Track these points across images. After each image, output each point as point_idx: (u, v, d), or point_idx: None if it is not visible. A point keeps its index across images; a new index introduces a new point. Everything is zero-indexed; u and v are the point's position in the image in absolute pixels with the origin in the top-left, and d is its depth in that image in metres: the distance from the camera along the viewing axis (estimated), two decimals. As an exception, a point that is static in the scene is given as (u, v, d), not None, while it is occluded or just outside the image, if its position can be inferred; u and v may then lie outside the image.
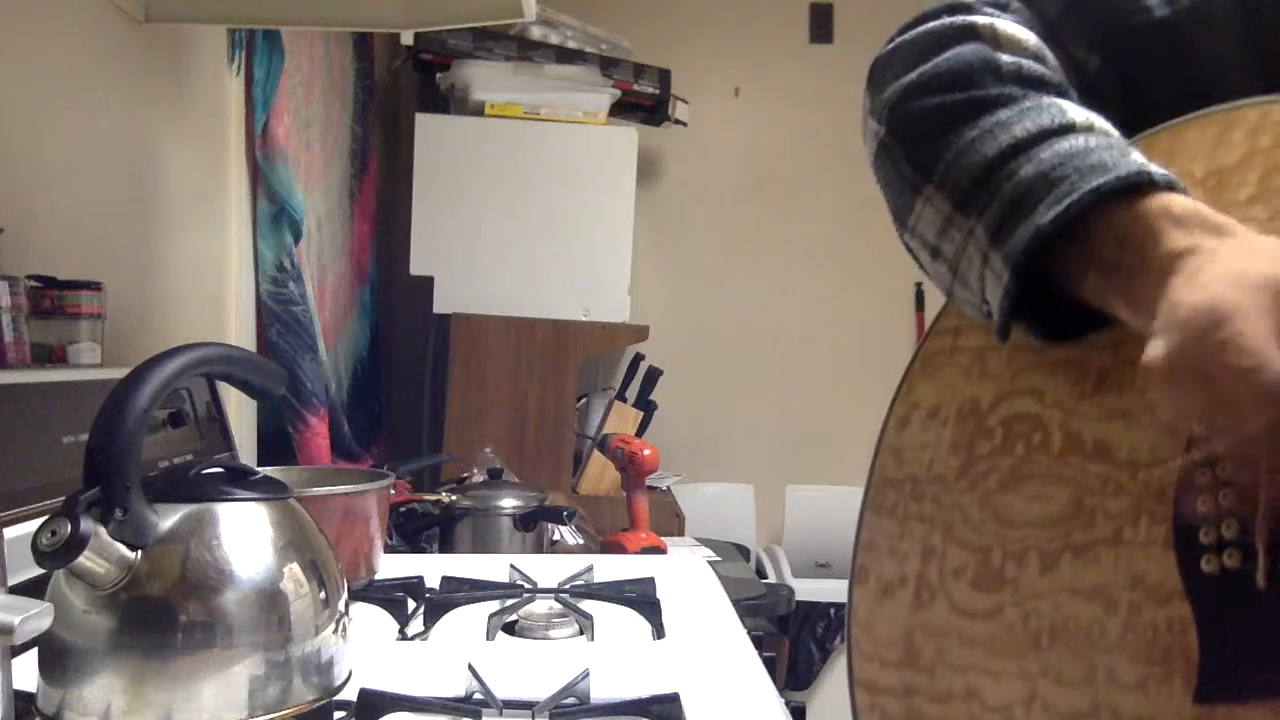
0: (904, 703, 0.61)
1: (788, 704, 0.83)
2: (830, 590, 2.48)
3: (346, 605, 0.70)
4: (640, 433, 2.42)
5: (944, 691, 0.59)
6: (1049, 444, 0.58)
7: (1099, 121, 0.57)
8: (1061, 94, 0.59)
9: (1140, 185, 0.52)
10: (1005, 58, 0.60)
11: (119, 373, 0.66)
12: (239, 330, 1.56)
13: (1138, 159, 0.53)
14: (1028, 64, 0.60)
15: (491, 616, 0.97)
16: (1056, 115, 0.56)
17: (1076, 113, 0.57)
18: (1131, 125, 0.59)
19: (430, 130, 2.27)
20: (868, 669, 0.64)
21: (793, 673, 2.45)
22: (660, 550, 1.67)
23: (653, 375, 2.47)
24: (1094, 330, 0.57)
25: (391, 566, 1.15)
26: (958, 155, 0.58)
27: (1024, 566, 0.57)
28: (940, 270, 0.62)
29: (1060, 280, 0.56)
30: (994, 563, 0.59)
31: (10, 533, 0.76)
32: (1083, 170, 0.53)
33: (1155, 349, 0.48)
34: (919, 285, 3.00)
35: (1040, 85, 0.59)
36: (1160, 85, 0.62)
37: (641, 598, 1.01)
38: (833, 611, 2.46)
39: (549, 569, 1.14)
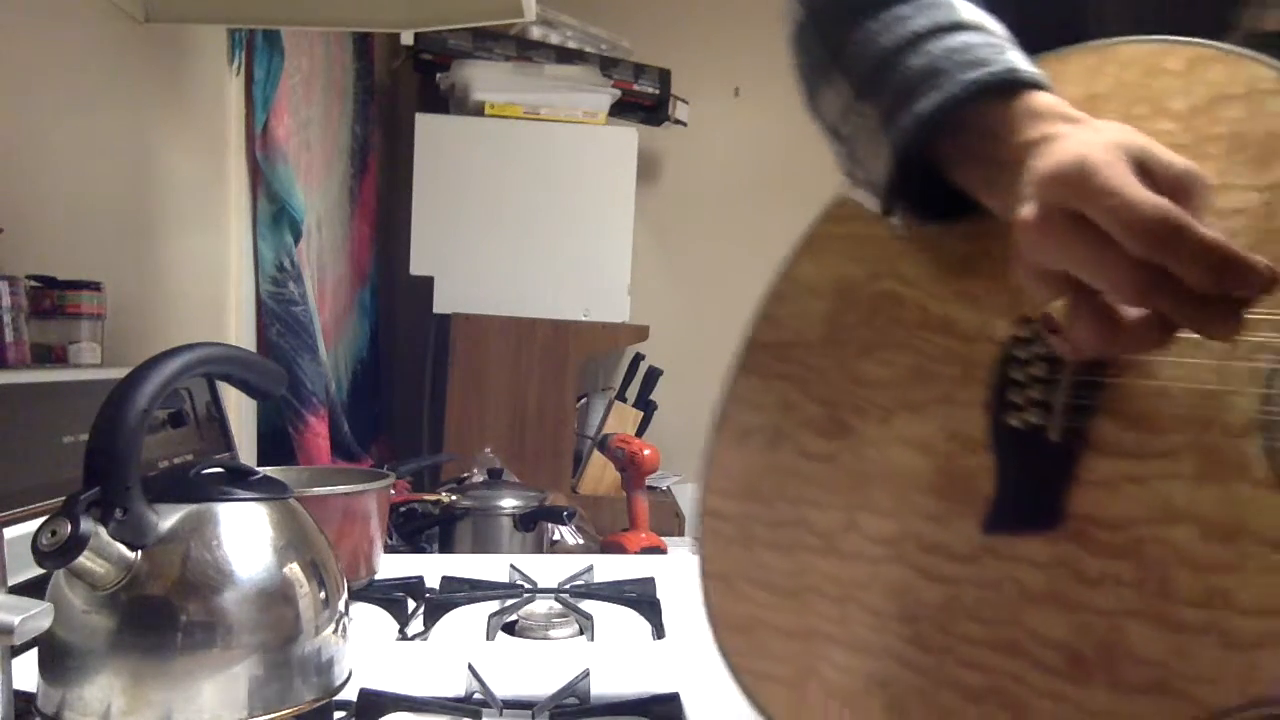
0: (742, 527, 0.70)
1: (788, 704, 0.83)
2: (830, 590, 2.47)
3: (346, 605, 0.70)
4: (640, 433, 2.42)
5: (776, 519, 0.68)
6: (905, 318, 0.66)
7: (987, 21, 0.62)
8: None
9: (1009, 82, 0.57)
10: None
11: (119, 373, 0.66)
12: (239, 330, 1.56)
13: (1013, 57, 0.58)
14: None
15: (491, 616, 0.97)
16: (949, 13, 0.61)
17: (967, 11, 0.62)
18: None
19: (430, 130, 2.27)
20: (714, 500, 0.72)
21: (793, 673, 2.44)
22: (660, 550, 1.67)
23: (653, 375, 2.47)
24: (971, 213, 0.62)
25: (391, 566, 1.15)
26: (861, 44, 0.63)
27: (865, 419, 0.65)
28: (841, 151, 0.68)
29: (940, 167, 0.61)
30: (841, 416, 0.67)
31: (10, 533, 0.76)
32: (962, 65, 0.58)
33: (1028, 208, 0.51)
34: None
35: None
36: (1046, 13, 0.67)
37: (641, 598, 1.01)
38: (832, 611, 2.45)
39: (549, 569, 1.14)
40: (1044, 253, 0.52)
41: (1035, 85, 0.57)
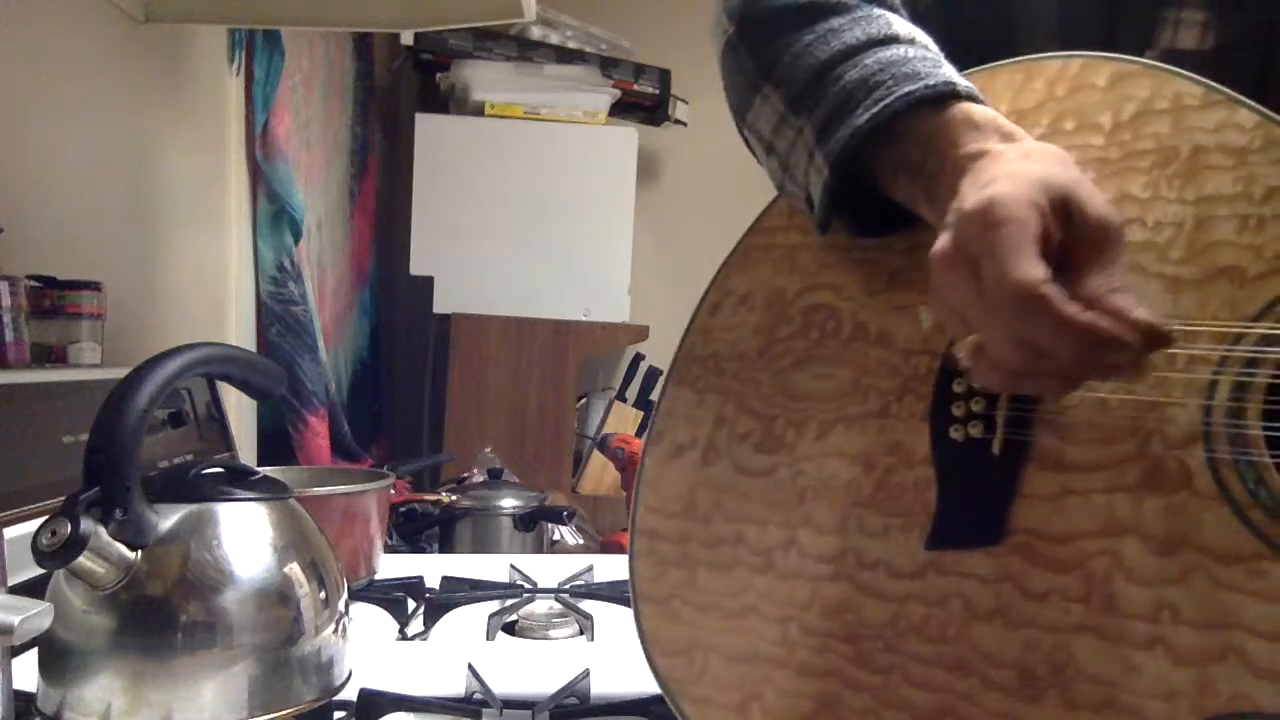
0: (678, 547, 0.68)
1: (788, 704, 0.82)
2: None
3: (346, 605, 0.70)
4: (640, 433, 2.42)
5: (715, 537, 0.66)
6: (840, 331, 0.65)
7: (920, 35, 0.62)
8: (891, 9, 0.65)
9: (946, 95, 0.57)
10: None
11: (119, 373, 0.66)
12: (239, 330, 1.56)
13: (947, 71, 0.58)
14: None
15: (491, 616, 0.97)
16: (883, 26, 0.61)
17: (900, 26, 0.62)
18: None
19: (430, 130, 2.27)
20: (650, 519, 0.70)
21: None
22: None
23: (653, 375, 2.47)
24: (905, 226, 0.62)
25: (391, 566, 1.15)
26: (794, 58, 0.63)
27: (802, 433, 0.64)
28: (773, 165, 0.67)
29: (877, 180, 0.61)
30: (776, 430, 0.66)
31: (10, 533, 0.76)
32: (898, 78, 0.58)
33: (941, 240, 0.51)
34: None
35: None
36: (975, 28, 0.68)
37: (641, 598, 1.01)
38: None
39: (549, 569, 1.14)
40: (942, 290, 0.51)
41: (971, 98, 0.57)
